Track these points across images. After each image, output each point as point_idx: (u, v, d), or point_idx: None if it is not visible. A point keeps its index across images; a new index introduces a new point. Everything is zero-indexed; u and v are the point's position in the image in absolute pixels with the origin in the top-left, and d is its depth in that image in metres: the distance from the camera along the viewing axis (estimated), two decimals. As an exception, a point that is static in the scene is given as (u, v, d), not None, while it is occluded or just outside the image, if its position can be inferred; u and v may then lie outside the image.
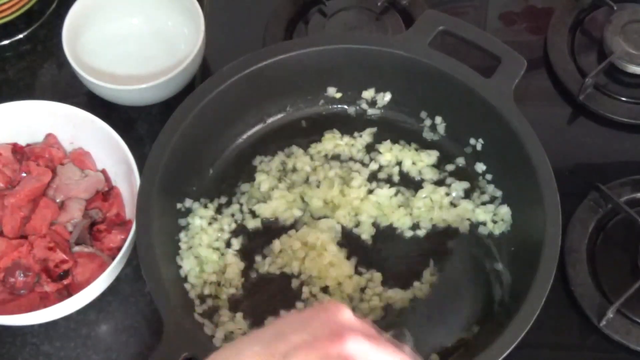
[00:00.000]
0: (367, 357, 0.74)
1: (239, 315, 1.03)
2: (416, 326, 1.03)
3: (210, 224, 1.09)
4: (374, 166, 1.13)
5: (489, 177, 1.12)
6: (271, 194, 1.10)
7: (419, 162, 1.13)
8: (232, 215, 1.10)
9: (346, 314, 0.76)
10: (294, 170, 1.13)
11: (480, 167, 1.13)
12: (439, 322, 1.03)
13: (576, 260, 1.08)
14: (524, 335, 0.92)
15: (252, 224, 1.10)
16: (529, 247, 1.03)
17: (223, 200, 1.12)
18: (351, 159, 1.14)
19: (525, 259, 1.03)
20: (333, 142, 1.15)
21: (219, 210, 1.11)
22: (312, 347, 0.73)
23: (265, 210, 1.10)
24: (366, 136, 1.15)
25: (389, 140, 1.15)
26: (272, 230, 1.10)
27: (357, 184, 1.11)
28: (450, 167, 1.13)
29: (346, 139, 1.15)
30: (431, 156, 1.14)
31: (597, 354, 1.06)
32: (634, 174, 1.15)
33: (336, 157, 1.14)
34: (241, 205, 1.11)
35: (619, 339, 1.04)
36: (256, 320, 1.03)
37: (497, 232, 1.08)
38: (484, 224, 1.09)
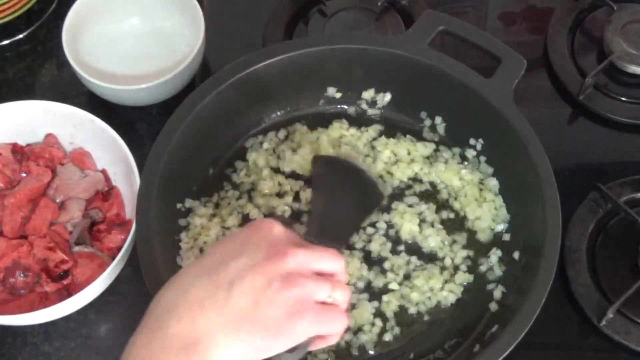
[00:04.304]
0: (307, 267, 0.77)
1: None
2: (414, 325, 1.03)
3: (210, 220, 1.09)
4: (379, 165, 1.13)
5: (488, 176, 1.12)
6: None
7: (414, 152, 1.13)
8: (229, 204, 1.10)
9: (277, 229, 0.79)
10: (299, 145, 1.14)
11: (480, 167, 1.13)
12: (439, 320, 1.03)
13: (576, 260, 1.08)
14: (524, 335, 0.92)
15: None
16: (529, 247, 1.03)
17: (223, 194, 1.12)
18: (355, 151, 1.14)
19: (525, 259, 1.03)
20: (340, 131, 1.15)
21: (217, 205, 1.11)
22: (255, 271, 0.75)
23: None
24: (372, 131, 1.15)
25: (383, 137, 1.14)
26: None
27: None
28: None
29: (352, 130, 1.15)
30: (427, 147, 1.13)
31: (597, 354, 1.06)
32: (634, 174, 1.15)
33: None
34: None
35: (619, 339, 1.04)
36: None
37: (497, 230, 1.08)
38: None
